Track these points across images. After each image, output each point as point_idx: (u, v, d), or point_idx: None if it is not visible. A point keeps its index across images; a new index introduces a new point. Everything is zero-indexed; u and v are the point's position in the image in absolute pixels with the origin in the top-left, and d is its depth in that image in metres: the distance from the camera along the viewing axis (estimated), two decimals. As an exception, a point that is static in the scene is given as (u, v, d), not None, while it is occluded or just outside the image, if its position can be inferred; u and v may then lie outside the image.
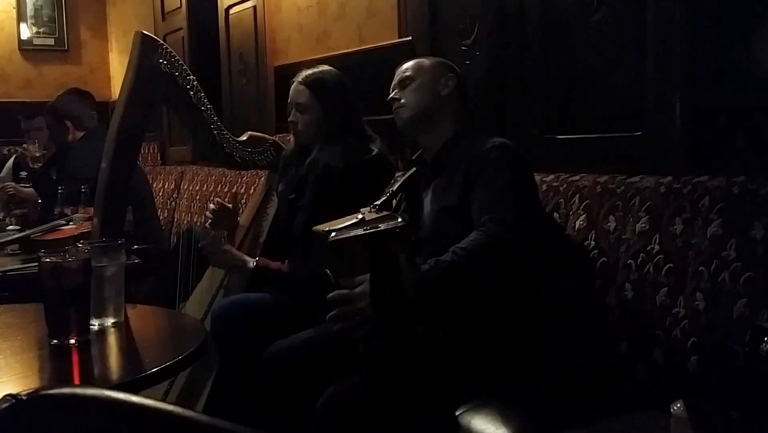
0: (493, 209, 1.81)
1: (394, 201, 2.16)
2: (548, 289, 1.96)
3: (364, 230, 1.65)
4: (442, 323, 1.81)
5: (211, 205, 2.71)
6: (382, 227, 1.66)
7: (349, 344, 1.74)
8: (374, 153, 2.42)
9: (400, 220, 1.77)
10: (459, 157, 1.99)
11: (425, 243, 1.97)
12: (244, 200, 3.55)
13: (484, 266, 1.75)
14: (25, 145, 4.24)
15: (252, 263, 2.45)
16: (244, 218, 2.80)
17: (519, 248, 1.79)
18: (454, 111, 2.10)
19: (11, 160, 4.61)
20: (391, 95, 2.15)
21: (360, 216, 1.86)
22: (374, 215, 1.89)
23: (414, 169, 2.16)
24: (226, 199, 2.88)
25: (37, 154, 4.02)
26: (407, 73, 2.13)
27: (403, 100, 2.10)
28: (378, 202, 2.02)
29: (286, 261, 2.47)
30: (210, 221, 2.68)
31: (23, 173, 4.18)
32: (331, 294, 1.75)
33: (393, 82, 2.17)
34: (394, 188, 2.14)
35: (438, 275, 1.72)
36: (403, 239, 1.67)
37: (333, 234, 1.69)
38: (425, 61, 2.18)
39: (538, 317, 1.94)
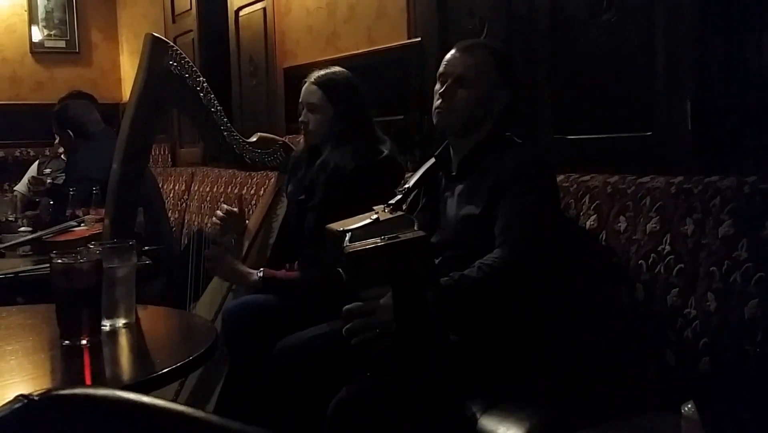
0: (519, 227, 1.78)
1: (409, 198, 2.10)
2: (558, 289, 1.95)
3: (382, 239, 1.60)
4: (458, 330, 1.80)
5: (219, 213, 2.71)
6: (401, 237, 1.61)
7: (363, 357, 1.70)
8: (384, 154, 2.41)
9: (416, 226, 1.75)
10: (490, 164, 1.93)
11: (445, 247, 1.93)
12: (254, 201, 3.56)
13: (508, 284, 1.73)
14: (34, 176, 4.18)
15: (257, 275, 2.41)
16: (253, 220, 2.80)
17: (542, 267, 1.78)
18: (495, 119, 2.01)
19: (35, 165, 4.60)
20: (441, 89, 1.97)
21: (374, 216, 1.84)
22: (388, 215, 1.88)
23: (432, 160, 2.09)
24: (233, 204, 2.87)
25: (45, 186, 3.95)
26: (469, 73, 1.95)
27: (450, 104, 1.96)
28: (392, 202, 1.99)
29: (296, 263, 2.46)
30: (218, 228, 2.68)
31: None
32: (348, 306, 1.69)
33: (446, 66, 1.99)
34: (410, 184, 2.08)
35: (464, 291, 1.69)
36: (424, 250, 1.63)
37: (347, 242, 1.65)
38: (488, 64, 1.98)
39: (548, 317, 1.93)
